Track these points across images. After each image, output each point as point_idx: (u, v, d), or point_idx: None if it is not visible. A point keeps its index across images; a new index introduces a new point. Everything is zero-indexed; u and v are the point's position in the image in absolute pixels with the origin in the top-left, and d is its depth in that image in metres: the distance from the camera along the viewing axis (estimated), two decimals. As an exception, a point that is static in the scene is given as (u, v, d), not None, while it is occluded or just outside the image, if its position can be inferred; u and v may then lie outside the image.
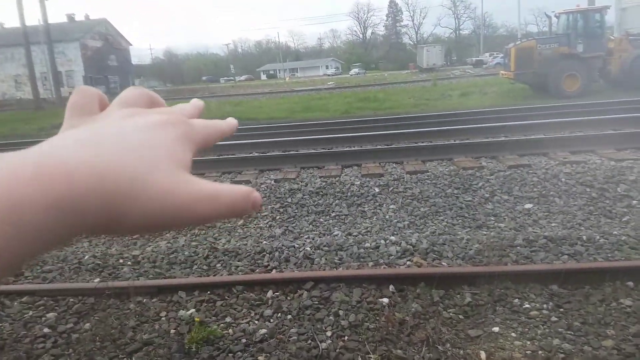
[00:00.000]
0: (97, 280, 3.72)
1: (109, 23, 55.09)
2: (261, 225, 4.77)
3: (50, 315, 3.18)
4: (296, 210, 5.06)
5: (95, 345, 2.82)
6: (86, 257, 4.18)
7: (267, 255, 3.97)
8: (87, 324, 3.05)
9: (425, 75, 39.00)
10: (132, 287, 3.37)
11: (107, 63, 51.93)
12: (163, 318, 3.08)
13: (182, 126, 0.32)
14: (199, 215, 0.29)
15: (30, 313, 3.24)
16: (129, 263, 4.00)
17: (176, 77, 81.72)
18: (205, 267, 3.84)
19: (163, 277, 3.71)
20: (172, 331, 2.90)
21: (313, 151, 7.29)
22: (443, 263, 3.60)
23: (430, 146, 6.96)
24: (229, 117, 0.40)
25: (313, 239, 4.33)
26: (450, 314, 2.92)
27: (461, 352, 2.56)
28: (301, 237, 4.44)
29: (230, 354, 2.62)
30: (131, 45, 60.81)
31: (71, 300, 3.38)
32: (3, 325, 3.08)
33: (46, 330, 3.01)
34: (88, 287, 3.49)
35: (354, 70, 69.37)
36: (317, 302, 3.14)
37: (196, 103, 0.39)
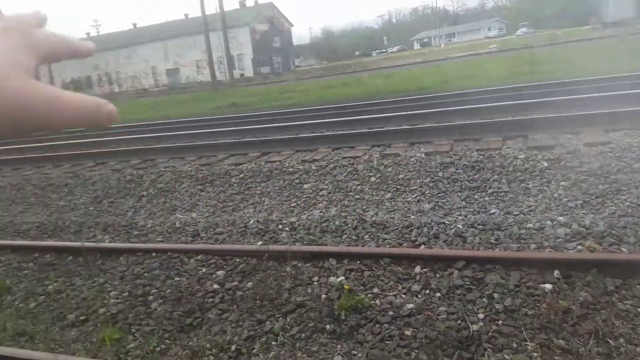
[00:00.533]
0: (259, 243, 4.09)
1: (274, 6, 59.18)
2: (409, 199, 4.65)
3: (220, 273, 3.60)
4: (447, 185, 4.80)
5: (256, 304, 3.10)
6: (251, 221, 4.63)
7: (415, 230, 3.86)
8: (250, 283, 3.37)
9: (610, 30, 32.96)
10: (289, 251, 3.61)
11: (272, 45, 56.13)
12: (315, 283, 3.24)
13: (18, 33, 0.33)
14: (59, 120, 0.31)
15: (204, 270, 3.69)
16: (287, 229, 4.30)
17: (331, 54, 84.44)
18: (354, 237, 3.91)
19: (316, 243, 3.90)
20: (323, 296, 3.03)
21: (469, 122, 6.79)
22: (623, 249, 3.04)
23: (616, 113, 5.84)
24: (88, 42, 0.39)
25: (466, 216, 4.06)
26: (627, 306, 2.47)
27: (638, 349, 2.15)
28: (452, 213, 4.20)
29: (377, 325, 2.63)
30: (292, 26, 64.54)
31: (237, 260, 3.77)
32: (181, 280, 3.57)
33: (216, 286, 3.40)
34: (251, 249, 3.86)
35: (521, 30, 62.38)
36: (468, 283, 2.95)
37: (36, 12, 0.39)
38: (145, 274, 3.70)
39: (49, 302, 3.49)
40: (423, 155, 5.69)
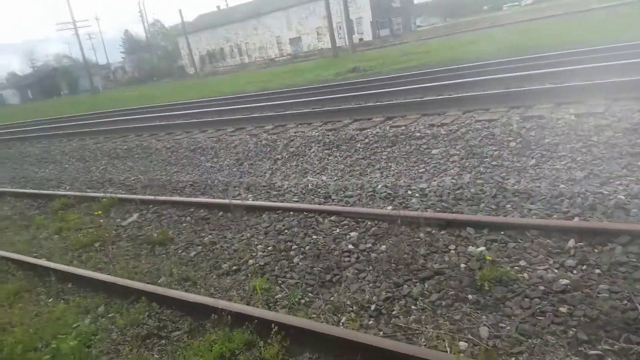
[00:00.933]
0: (389, 207, 4.10)
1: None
2: (557, 166, 4.21)
3: (353, 234, 3.69)
4: (604, 151, 4.24)
5: (391, 267, 3.13)
6: (379, 186, 4.64)
7: (567, 200, 3.51)
8: (383, 246, 3.41)
9: None
10: (422, 217, 3.55)
11: (391, 5, 54.21)
12: (452, 251, 3.15)
13: None
14: None
15: (337, 230, 3.82)
16: (417, 195, 4.23)
17: (456, 10, 78.72)
18: (493, 206, 3.70)
19: (450, 211, 3.77)
20: (462, 265, 2.94)
21: (628, 78, 5.85)
22: None
23: None
24: None
25: (628, 186, 3.56)
26: None
27: None
28: (611, 182, 3.71)
29: (526, 299, 2.48)
30: (414, -18, 61.33)
31: (369, 223, 3.83)
32: (318, 238, 3.75)
33: (350, 246, 3.50)
34: (383, 213, 3.88)
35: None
36: (635, 260, 2.61)
37: None
38: (286, 231, 3.97)
39: (205, 252, 3.95)
40: (573, 117, 5.08)
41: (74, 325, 3.06)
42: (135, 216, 5.14)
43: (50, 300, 3.58)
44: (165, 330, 2.84)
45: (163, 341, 2.76)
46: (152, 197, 5.48)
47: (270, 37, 55.13)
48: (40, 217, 5.89)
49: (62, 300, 3.51)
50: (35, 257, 4.46)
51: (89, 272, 3.77)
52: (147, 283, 3.43)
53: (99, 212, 5.33)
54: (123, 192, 6.36)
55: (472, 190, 4.07)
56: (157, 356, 2.63)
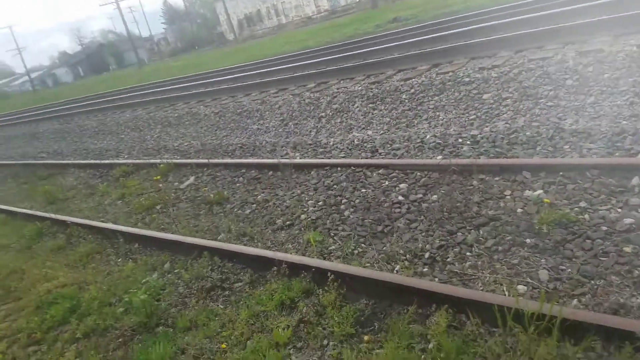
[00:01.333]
0: (439, 157, 4.02)
1: None
2: (619, 102, 3.93)
3: (402, 185, 3.67)
4: (674, 83, 3.90)
5: (443, 215, 3.10)
6: (427, 136, 4.54)
7: (630, 137, 3.29)
8: (434, 196, 3.38)
9: None
10: (475, 165, 3.47)
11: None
12: (508, 197, 3.07)
13: None
14: None
15: (386, 183, 3.81)
16: (468, 142, 4.11)
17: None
18: (550, 148, 3.54)
19: (504, 156, 3.65)
20: (519, 210, 2.87)
21: None
22: None
23: None
24: None
25: (702, 119, 3.28)
26: None
27: None
28: (683, 116, 3.43)
29: (587, 240, 2.40)
30: None
31: (418, 174, 3.79)
32: (367, 192, 3.76)
33: (400, 198, 3.50)
34: (432, 163, 3.81)
35: None
36: None
37: None
38: (335, 186, 4.01)
39: (259, 209, 4.08)
40: (635, 49, 4.67)
41: (143, 281, 3.30)
42: (191, 179, 5.36)
43: (119, 260, 3.87)
44: (228, 282, 3.02)
45: (227, 292, 2.93)
46: (205, 161, 5.67)
47: (306, -6, 53.67)
48: (103, 185, 6.28)
49: (130, 260, 3.78)
50: (102, 221, 4.80)
51: (153, 232, 4.02)
52: (208, 239, 3.62)
53: (158, 177, 5.60)
54: (178, 157, 6.62)
55: (528, 133, 3.90)
56: (221, 306, 2.80)
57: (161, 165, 5.99)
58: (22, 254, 4.59)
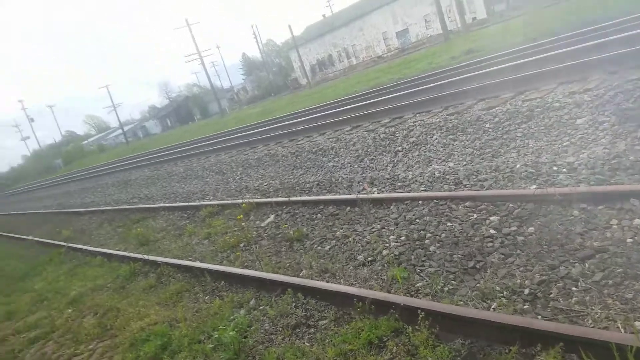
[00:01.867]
0: (533, 187, 3.74)
1: None
2: None
3: (493, 218, 3.44)
4: None
5: (542, 249, 2.84)
6: (517, 165, 4.27)
7: None
8: (531, 228, 3.12)
9: None
10: (575, 193, 3.17)
11: (506, -24, 50.05)
12: (615, 226, 2.75)
13: None
14: None
15: (475, 216, 3.59)
16: (564, 170, 3.80)
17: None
18: (662, 172, 3.15)
19: (607, 183, 3.31)
20: (629, 240, 2.56)
21: None
22: None
23: None
24: None
25: None
26: None
27: None
28: None
29: None
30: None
31: (510, 205, 3.53)
32: (453, 225, 3.57)
33: (492, 231, 3.27)
34: (526, 194, 3.55)
35: None
36: None
37: None
38: (417, 220, 3.86)
39: (339, 245, 4.03)
40: None
41: (231, 318, 3.34)
42: (272, 217, 5.48)
43: (207, 297, 3.98)
44: (313, 319, 2.96)
45: (312, 330, 2.87)
46: (285, 199, 5.79)
47: (376, 34, 54.88)
48: (190, 225, 6.62)
49: (217, 297, 3.87)
50: (190, 260, 5.01)
51: (238, 269, 4.11)
52: (291, 276, 3.61)
53: (240, 216, 5.80)
54: (259, 196, 6.84)
55: (632, 157, 3.52)
56: (307, 344, 2.74)
57: (243, 205, 6.21)
58: (117, 293, 4.91)
